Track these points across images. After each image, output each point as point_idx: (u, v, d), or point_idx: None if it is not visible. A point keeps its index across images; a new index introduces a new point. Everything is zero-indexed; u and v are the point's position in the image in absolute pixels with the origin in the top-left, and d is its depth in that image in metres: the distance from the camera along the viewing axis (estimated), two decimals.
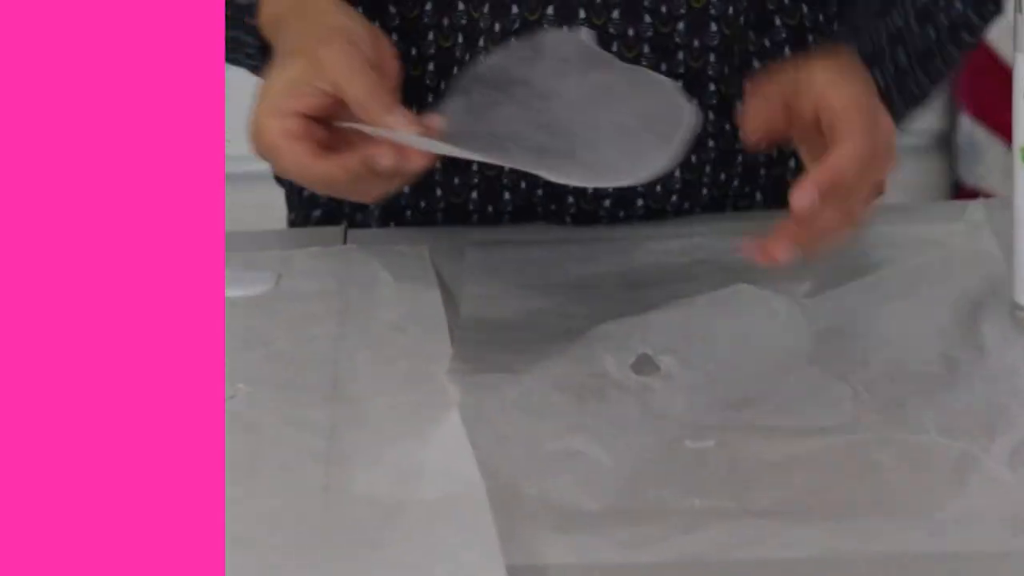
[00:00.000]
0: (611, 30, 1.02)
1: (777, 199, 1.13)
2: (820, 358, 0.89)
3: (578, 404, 0.84)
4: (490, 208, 1.08)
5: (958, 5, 1.08)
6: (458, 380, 0.86)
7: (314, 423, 0.85)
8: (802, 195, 0.88)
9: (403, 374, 0.89)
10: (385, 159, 0.85)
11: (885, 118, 0.96)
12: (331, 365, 0.91)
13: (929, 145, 2.54)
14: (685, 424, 0.82)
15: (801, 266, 1.00)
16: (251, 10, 0.95)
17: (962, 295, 0.99)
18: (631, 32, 1.03)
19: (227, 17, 0.92)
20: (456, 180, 1.06)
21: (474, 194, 1.07)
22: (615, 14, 1.02)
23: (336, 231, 1.06)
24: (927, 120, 2.45)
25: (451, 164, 1.03)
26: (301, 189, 1.13)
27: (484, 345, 0.91)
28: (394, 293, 1.00)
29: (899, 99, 1.07)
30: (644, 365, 0.86)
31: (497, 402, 0.83)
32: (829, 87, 0.93)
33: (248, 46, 0.98)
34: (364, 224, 1.11)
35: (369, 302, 0.99)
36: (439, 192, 1.07)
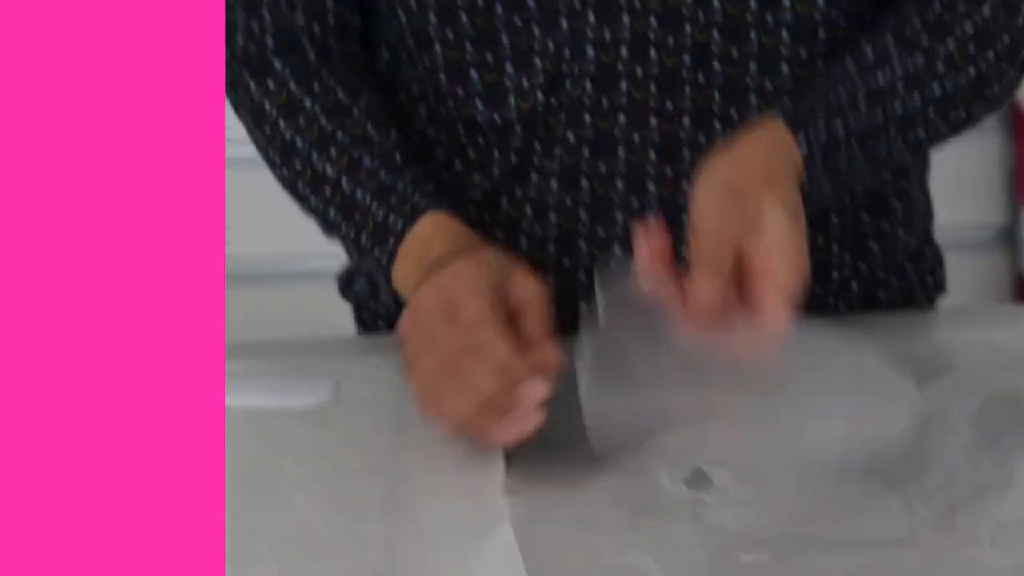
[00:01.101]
0: (651, 37, 1.04)
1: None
2: (875, 467, 0.88)
3: (631, 519, 0.83)
4: None
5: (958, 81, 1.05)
6: (512, 493, 0.86)
7: (371, 537, 0.84)
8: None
9: (458, 486, 0.89)
10: (539, 391, 0.87)
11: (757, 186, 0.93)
12: (388, 476, 0.90)
13: (992, 240, 2.53)
14: (738, 537, 0.81)
15: None
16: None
17: (1020, 402, 0.98)
18: (671, 40, 1.04)
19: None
20: None
21: None
22: (652, 20, 1.03)
23: (394, 338, 1.03)
24: (989, 214, 2.49)
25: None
26: (370, 306, 1.14)
27: (538, 457, 0.90)
28: None
29: (851, 162, 1.02)
30: (698, 479, 0.86)
31: (551, 516, 0.83)
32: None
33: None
34: None
35: None
36: None
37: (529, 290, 0.94)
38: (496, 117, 1.08)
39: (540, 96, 1.07)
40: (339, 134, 1.06)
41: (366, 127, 1.06)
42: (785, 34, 1.05)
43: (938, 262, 1.26)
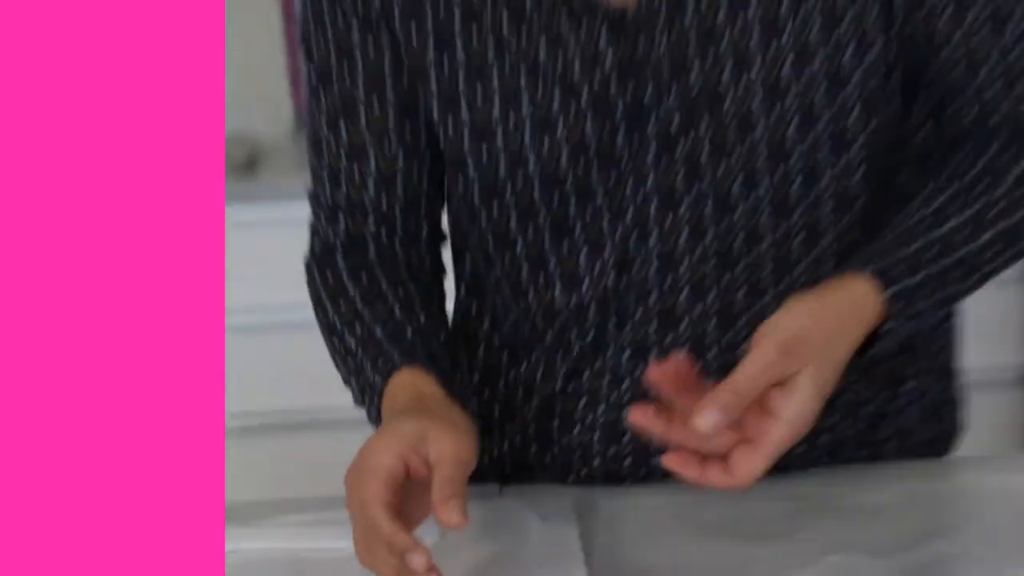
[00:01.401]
0: (707, 219, 1.13)
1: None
2: None
3: None
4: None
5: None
6: None
7: None
8: (705, 416, 0.94)
9: None
10: (417, 562, 0.95)
11: (813, 346, 0.98)
12: None
13: (1013, 380, 2.56)
14: None
15: (876, 520, 1.11)
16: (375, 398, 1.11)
17: None
18: (725, 221, 1.14)
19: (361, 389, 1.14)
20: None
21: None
22: (709, 204, 1.13)
23: (493, 487, 1.17)
24: (1007, 355, 2.52)
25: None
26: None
27: None
28: (541, 539, 1.10)
29: (928, 303, 1.07)
30: None
31: None
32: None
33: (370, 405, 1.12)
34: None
35: (519, 546, 1.08)
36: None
37: (439, 452, 1.00)
38: (569, 302, 1.18)
39: (612, 278, 1.16)
40: (367, 314, 1.16)
41: (393, 309, 1.16)
42: (828, 207, 1.13)
43: (961, 403, 1.31)
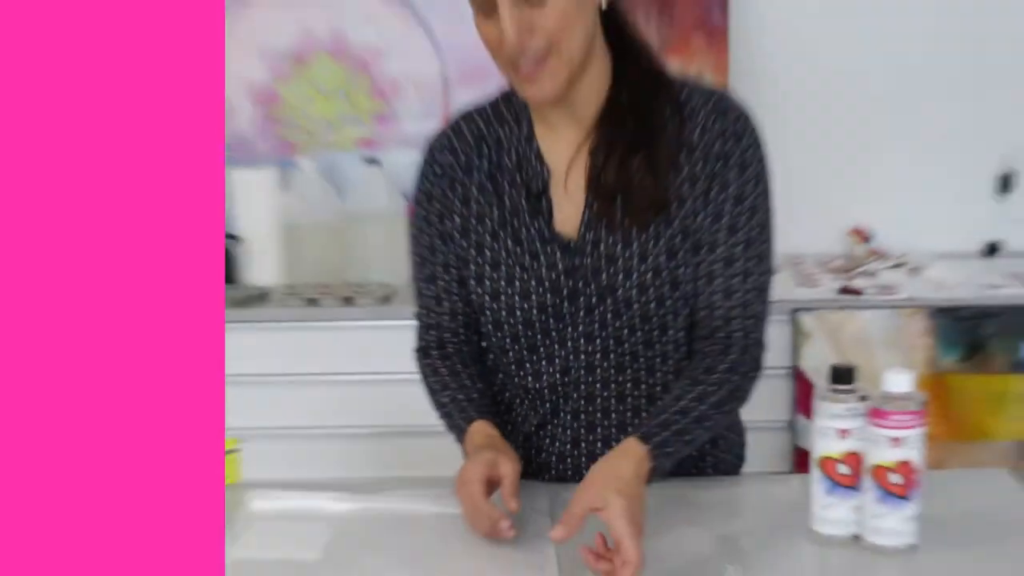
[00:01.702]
0: (609, 351, 1.72)
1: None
2: None
3: None
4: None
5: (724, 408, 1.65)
6: None
7: None
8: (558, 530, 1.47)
9: None
10: (504, 525, 1.55)
11: (631, 505, 1.43)
12: None
13: (783, 427, 2.93)
14: None
15: (710, 509, 1.63)
16: (460, 435, 1.73)
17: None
18: (620, 349, 1.71)
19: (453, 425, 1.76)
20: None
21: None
22: (611, 343, 1.72)
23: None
24: (778, 413, 2.92)
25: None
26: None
27: None
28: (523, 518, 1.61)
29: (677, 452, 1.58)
30: None
31: None
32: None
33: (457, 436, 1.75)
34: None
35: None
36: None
37: (505, 470, 1.59)
38: (538, 385, 1.77)
39: (559, 376, 1.75)
40: (452, 385, 1.78)
41: (466, 383, 1.77)
42: (671, 342, 1.71)
43: (742, 446, 1.90)
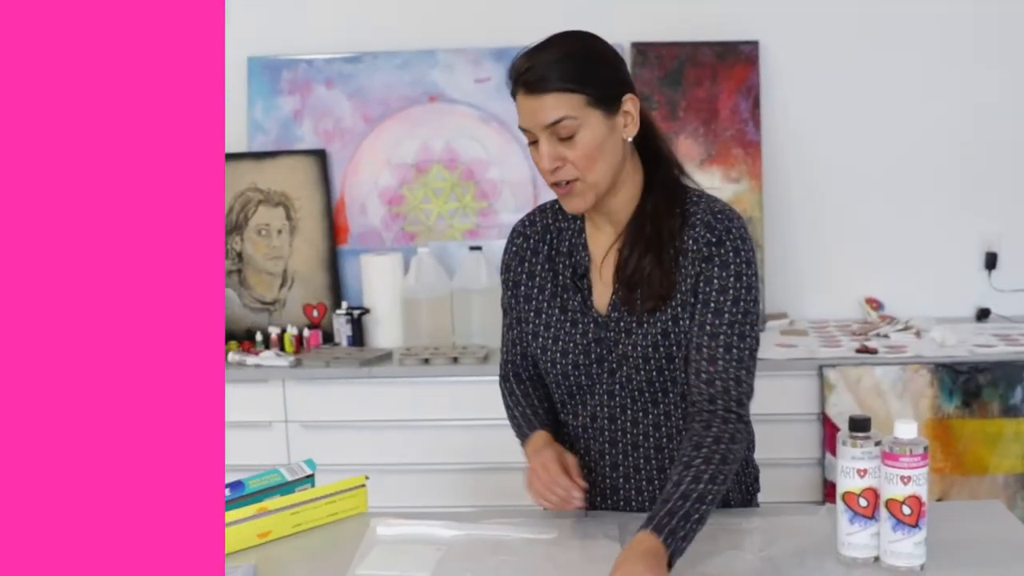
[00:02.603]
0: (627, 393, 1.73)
1: None
2: None
3: None
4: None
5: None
6: None
7: None
8: None
9: None
10: (576, 494, 1.64)
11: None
12: None
13: (812, 463, 2.89)
14: None
15: (750, 535, 1.60)
16: (524, 436, 1.81)
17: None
18: (637, 395, 1.73)
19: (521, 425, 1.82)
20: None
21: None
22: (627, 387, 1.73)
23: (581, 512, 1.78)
24: (809, 453, 2.88)
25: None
26: None
27: None
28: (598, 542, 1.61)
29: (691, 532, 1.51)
30: None
31: None
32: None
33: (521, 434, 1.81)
34: None
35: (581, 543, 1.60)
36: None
37: (569, 459, 1.71)
38: (574, 423, 1.80)
39: (588, 421, 1.78)
40: (523, 400, 1.84)
41: (533, 399, 1.83)
42: (679, 393, 1.70)
43: (756, 480, 1.87)
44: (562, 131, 1.58)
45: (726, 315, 1.62)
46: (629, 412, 1.73)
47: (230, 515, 1.69)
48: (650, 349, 1.67)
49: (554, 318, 1.74)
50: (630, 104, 1.63)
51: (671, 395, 1.71)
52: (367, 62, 3.43)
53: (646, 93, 3.36)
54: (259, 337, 3.31)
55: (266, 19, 3.47)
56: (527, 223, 1.80)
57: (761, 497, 2.52)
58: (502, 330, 1.88)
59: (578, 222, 1.75)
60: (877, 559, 1.54)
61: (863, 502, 1.53)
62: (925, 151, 3.34)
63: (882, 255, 3.37)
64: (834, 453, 2.82)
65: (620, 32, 3.31)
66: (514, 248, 1.80)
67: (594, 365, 1.72)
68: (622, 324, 1.69)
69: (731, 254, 1.64)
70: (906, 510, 1.50)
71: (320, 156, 3.39)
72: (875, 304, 3.34)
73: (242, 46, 3.44)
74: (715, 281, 1.63)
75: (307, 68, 3.46)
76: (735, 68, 3.32)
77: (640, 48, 3.36)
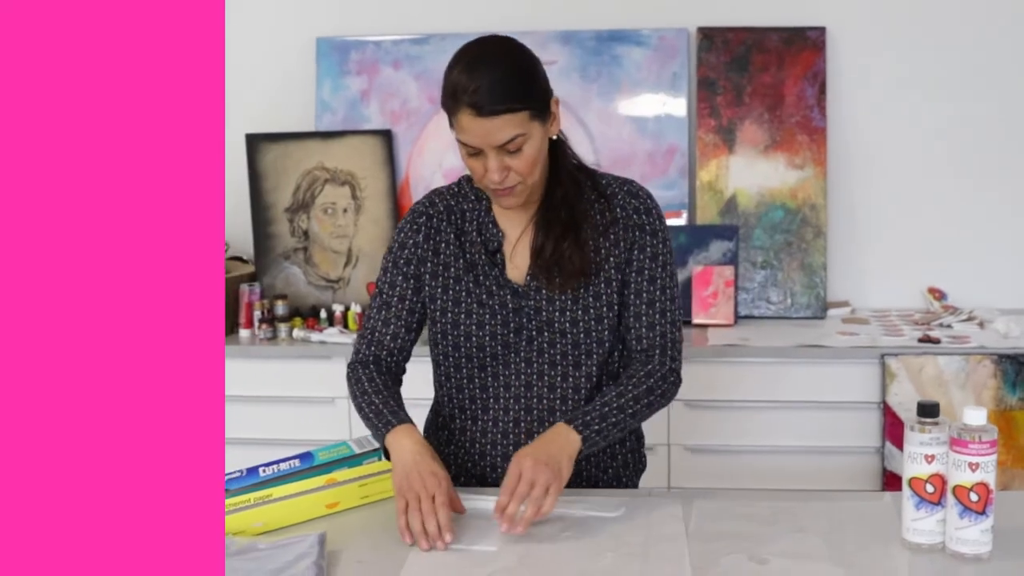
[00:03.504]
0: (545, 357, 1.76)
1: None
2: None
3: None
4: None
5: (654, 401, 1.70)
6: None
7: None
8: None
9: None
10: (441, 545, 1.54)
11: (535, 455, 1.55)
12: None
13: (872, 451, 2.86)
14: None
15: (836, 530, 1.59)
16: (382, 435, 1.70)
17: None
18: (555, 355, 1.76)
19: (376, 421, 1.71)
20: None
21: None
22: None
23: (645, 490, 1.78)
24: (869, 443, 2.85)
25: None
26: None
27: None
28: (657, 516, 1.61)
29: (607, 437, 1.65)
30: None
31: None
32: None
33: (376, 433, 1.72)
34: None
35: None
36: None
37: (448, 485, 1.61)
38: (484, 396, 1.79)
39: (502, 391, 1.77)
40: (385, 393, 1.74)
41: (396, 394, 1.76)
42: (594, 369, 1.75)
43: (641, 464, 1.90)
44: (512, 147, 1.63)
45: (658, 281, 1.74)
46: (547, 378, 1.76)
47: (299, 485, 1.71)
48: (579, 311, 1.73)
49: (464, 293, 1.76)
50: (555, 106, 1.70)
51: (595, 356, 1.75)
52: (434, 44, 3.44)
53: (712, 78, 3.33)
54: (323, 314, 3.32)
55: (335, 1, 3.48)
56: (427, 204, 1.82)
57: (820, 484, 2.64)
58: (369, 312, 1.85)
59: (483, 202, 1.79)
60: (943, 546, 1.53)
61: (930, 488, 1.52)
62: (992, 140, 3.29)
63: (946, 245, 3.33)
64: (895, 443, 2.82)
65: (686, 17, 3.30)
66: (415, 227, 1.80)
67: (512, 334, 1.75)
68: (543, 293, 1.74)
69: (658, 221, 1.76)
70: (973, 497, 1.49)
71: (386, 136, 3.41)
72: (938, 294, 3.29)
73: (311, 27, 3.47)
74: (647, 248, 1.74)
75: (375, 49, 3.47)
76: (802, 54, 3.29)
77: (706, 33, 3.33)
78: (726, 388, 2.88)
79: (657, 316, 1.75)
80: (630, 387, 1.70)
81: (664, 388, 1.73)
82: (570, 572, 1.48)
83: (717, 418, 2.91)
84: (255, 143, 3.44)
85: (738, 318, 3.20)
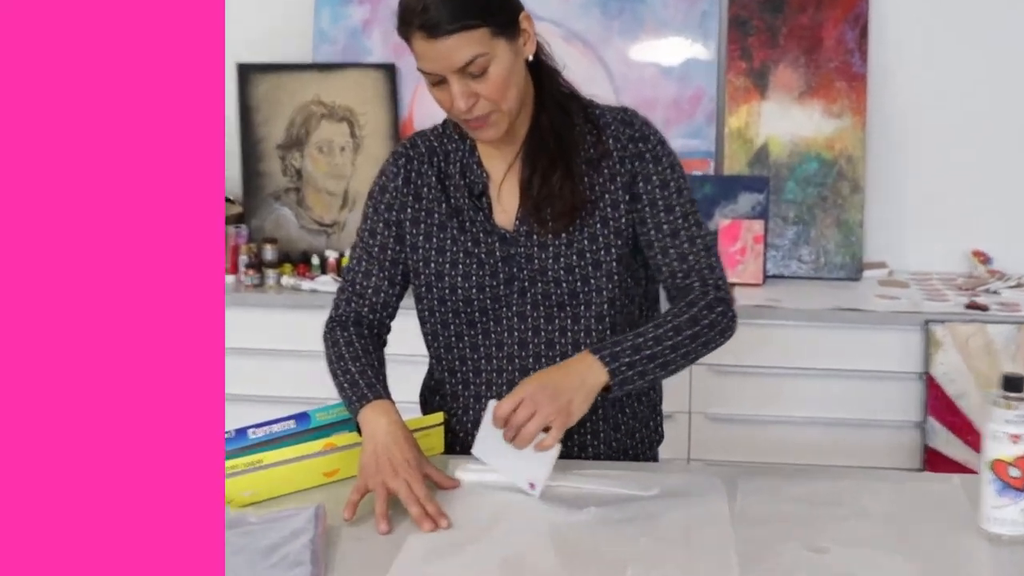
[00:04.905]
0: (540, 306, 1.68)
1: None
2: None
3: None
4: None
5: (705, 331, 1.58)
6: None
7: None
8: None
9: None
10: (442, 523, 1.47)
11: (543, 382, 1.49)
12: None
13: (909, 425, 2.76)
14: None
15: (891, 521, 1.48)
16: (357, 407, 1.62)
17: None
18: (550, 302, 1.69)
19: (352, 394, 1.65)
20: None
21: None
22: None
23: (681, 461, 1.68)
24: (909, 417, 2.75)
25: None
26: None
27: None
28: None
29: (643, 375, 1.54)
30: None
31: None
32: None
33: (350, 405, 1.64)
34: None
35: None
36: None
37: (423, 459, 1.59)
38: (475, 356, 1.74)
39: (494, 351, 1.72)
40: (363, 360, 1.68)
41: (375, 363, 1.69)
42: (592, 321, 1.67)
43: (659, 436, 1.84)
44: (474, 69, 1.56)
45: (677, 209, 1.66)
46: (543, 334, 1.70)
47: (294, 450, 1.61)
48: (575, 257, 1.66)
49: (449, 241, 1.71)
50: (526, 22, 1.63)
51: (594, 306, 1.68)
52: None
53: (744, 17, 3.20)
54: (315, 261, 3.23)
55: None
56: (408, 146, 1.77)
57: (854, 460, 2.57)
58: (350, 263, 1.80)
59: (467, 142, 1.73)
60: None
61: (1015, 472, 1.40)
62: None
63: (992, 205, 3.20)
64: (939, 417, 2.70)
65: None
66: (395, 170, 1.76)
67: (502, 286, 1.69)
68: (534, 238, 1.68)
69: (659, 146, 1.68)
70: None
71: (389, 70, 3.28)
72: (983, 257, 3.18)
73: None
74: (654, 178, 1.67)
75: None
76: None
77: None
78: (753, 352, 2.77)
79: (686, 246, 1.65)
80: (669, 317, 1.59)
81: (712, 318, 1.60)
82: (601, 559, 1.38)
83: (742, 385, 2.83)
84: (247, 74, 3.32)
85: (767, 277, 3.10)
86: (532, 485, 1.52)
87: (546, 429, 1.48)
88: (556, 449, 1.49)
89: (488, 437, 1.53)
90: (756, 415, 2.85)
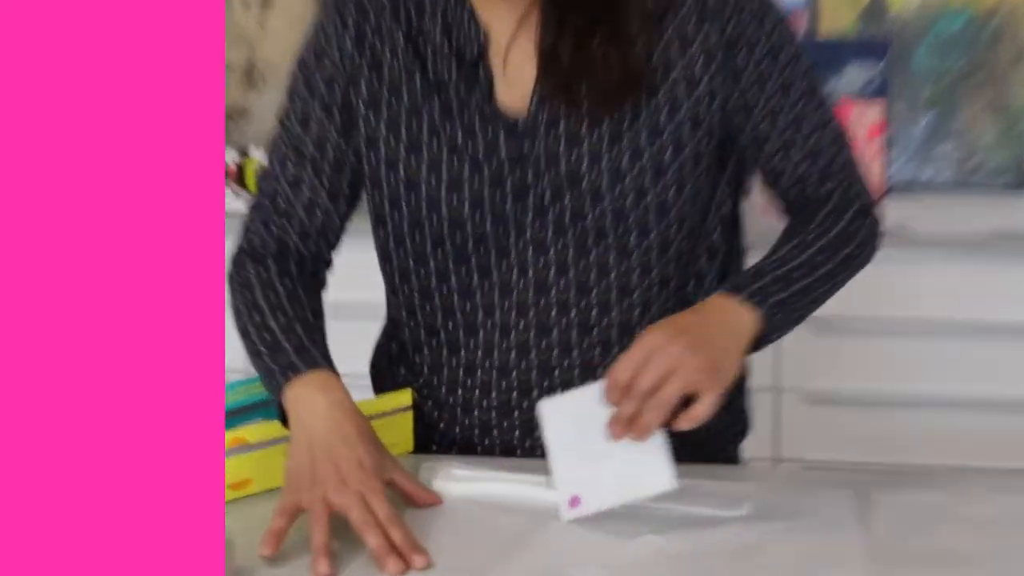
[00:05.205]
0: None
1: None
2: None
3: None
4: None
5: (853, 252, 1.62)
6: None
7: None
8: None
9: None
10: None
11: (686, 326, 1.46)
12: None
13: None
14: None
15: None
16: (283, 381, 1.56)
17: None
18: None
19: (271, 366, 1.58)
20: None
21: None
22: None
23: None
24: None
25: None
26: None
27: None
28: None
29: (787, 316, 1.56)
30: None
31: None
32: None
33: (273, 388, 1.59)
34: None
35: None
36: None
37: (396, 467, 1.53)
38: (467, 307, 1.68)
39: (496, 297, 1.66)
40: (290, 311, 1.63)
41: (307, 317, 1.64)
42: (654, 253, 1.64)
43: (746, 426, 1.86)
44: None
45: (796, 85, 1.65)
46: (572, 273, 1.65)
47: None
48: (625, 159, 1.61)
49: (426, 133, 1.66)
50: None
51: (653, 234, 1.65)
52: None
53: None
54: None
55: None
56: None
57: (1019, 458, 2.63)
58: (270, 167, 1.74)
59: None
60: None
61: None
62: None
63: None
64: None
65: None
66: (338, 24, 1.70)
67: (509, 199, 1.64)
68: (560, 128, 1.62)
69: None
70: None
71: None
72: None
73: None
74: (761, 43, 1.64)
75: None
76: None
77: None
78: (868, 302, 2.68)
79: (815, 137, 1.66)
80: (811, 236, 1.60)
81: (863, 236, 1.64)
82: None
83: (854, 349, 2.91)
84: None
85: (889, 187, 3.15)
86: (663, 490, 1.47)
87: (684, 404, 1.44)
88: (661, 438, 1.46)
89: (565, 431, 1.49)
90: (874, 392, 2.90)
